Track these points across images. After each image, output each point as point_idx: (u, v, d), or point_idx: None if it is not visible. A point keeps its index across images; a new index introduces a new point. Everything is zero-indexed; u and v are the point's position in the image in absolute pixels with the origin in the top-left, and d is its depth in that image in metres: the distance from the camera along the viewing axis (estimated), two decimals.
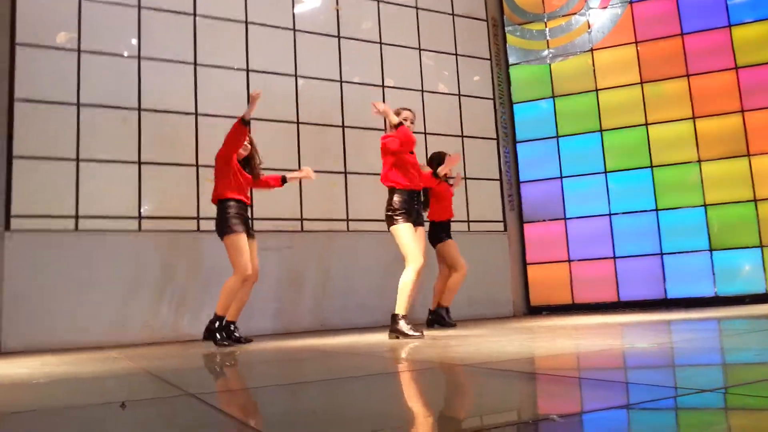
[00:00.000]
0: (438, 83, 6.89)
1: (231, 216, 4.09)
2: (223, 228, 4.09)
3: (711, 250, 6.47)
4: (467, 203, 6.76)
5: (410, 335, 3.83)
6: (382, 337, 4.04)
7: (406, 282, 3.92)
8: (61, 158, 4.96)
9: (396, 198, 4.05)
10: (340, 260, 5.93)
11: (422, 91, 6.72)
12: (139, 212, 5.17)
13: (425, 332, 4.08)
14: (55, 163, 4.94)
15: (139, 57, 5.37)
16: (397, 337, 3.86)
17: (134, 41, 5.37)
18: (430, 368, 2.39)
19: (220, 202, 4.15)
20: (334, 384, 2.10)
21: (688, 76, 6.74)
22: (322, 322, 5.71)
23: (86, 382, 2.53)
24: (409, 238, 3.95)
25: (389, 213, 4.05)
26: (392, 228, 4.02)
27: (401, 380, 2.21)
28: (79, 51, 5.14)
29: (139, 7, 5.42)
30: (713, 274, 6.44)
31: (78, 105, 5.08)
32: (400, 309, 3.90)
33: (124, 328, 4.92)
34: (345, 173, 6.12)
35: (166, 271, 5.17)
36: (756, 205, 6.37)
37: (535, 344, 3.15)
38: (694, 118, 6.68)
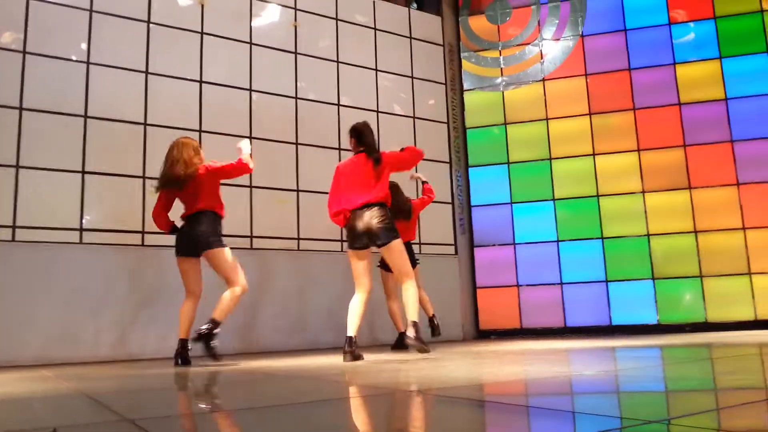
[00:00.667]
0: (393, 104, 6.92)
1: (221, 230, 4.14)
2: (216, 240, 4.06)
3: (654, 278, 6.65)
4: (419, 226, 6.77)
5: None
6: (329, 360, 3.97)
7: (413, 293, 4.06)
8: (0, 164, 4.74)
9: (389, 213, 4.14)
10: (288, 279, 5.83)
11: (378, 111, 6.74)
12: (81, 224, 4.97)
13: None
14: None
15: (88, 62, 5.20)
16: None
17: (84, 45, 5.21)
18: (378, 394, 2.34)
19: (214, 215, 4.11)
20: (280, 411, 2.04)
21: (634, 109, 6.98)
22: (267, 342, 5.59)
23: (16, 404, 2.38)
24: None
25: (390, 226, 4.07)
26: (396, 242, 4.09)
27: (348, 407, 2.16)
28: (24, 53, 4.95)
29: (91, 11, 5.26)
30: (655, 302, 6.62)
31: (21, 109, 4.87)
32: (414, 316, 4.01)
33: (62, 345, 4.69)
34: (297, 191, 6.05)
35: (108, 286, 4.97)
36: (696, 236, 6.60)
37: (484, 370, 3.14)
38: (639, 150, 6.90)
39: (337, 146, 6.37)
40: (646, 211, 6.78)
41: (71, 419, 1.92)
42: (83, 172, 5.04)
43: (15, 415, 2.12)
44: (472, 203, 7.28)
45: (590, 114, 7.11)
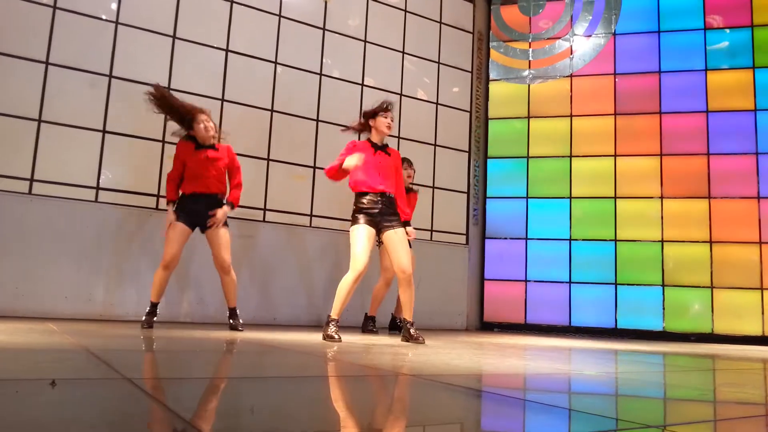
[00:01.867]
0: (417, 89, 6.88)
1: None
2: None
3: (663, 285, 6.60)
4: (432, 212, 6.76)
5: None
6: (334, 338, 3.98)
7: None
8: (22, 117, 4.77)
9: None
10: (298, 255, 5.85)
11: (401, 94, 6.69)
12: (98, 182, 5.01)
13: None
14: (15, 121, 4.75)
15: (117, 22, 5.21)
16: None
17: (114, 6, 5.21)
18: (375, 375, 2.35)
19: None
20: (273, 382, 2.05)
21: (660, 113, 6.88)
22: (274, 315, 5.63)
23: (20, 354, 2.42)
24: None
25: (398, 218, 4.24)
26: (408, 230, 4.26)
27: (340, 384, 2.16)
28: (54, 7, 4.96)
29: None
30: (663, 309, 6.57)
31: (47, 63, 4.90)
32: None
33: (69, 300, 4.76)
34: (314, 168, 6.05)
35: (120, 246, 5.02)
36: (711, 246, 6.53)
37: (485, 361, 3.14)
38: (661, 155, 6.81)
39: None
40: (662, 217, 6.71)
41: (71, 373, 1.94)
42: (104, 132, 5.07)
43: (18, 363, 2.15)
44: (488, 195, 7.24)
45: (615, 114, 7.02)
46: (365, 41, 6.54)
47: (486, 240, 7.18)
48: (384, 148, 4.29)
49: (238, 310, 4.50)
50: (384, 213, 4.10)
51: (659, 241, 6.68)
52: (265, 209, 5.72)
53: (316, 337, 4.12)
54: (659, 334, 6.50)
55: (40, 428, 1.20)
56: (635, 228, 6.78)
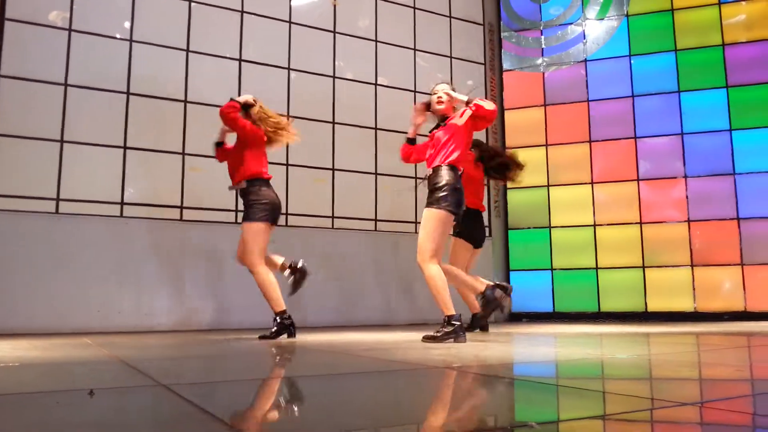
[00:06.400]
0: (431, 84, 6.85)
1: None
2: None
3: (692, 265, 6.51)
4: None
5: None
6: (361, 337, 4.01)
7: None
8: (45, 138, 4.88)
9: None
10: (321, 258, 5.88)
11: (415, 91, 6.70)
12: (122, 198, 5.09)
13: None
14: (39, 144, 4.85)
15: (131, 40, 5.29)
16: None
17: (127, 24, 5.30)
18: (410, 369, 2.36)
19: None
20: (313, 381, 2.07)
21: (679, 92, 6.78)
22: (313, 318, 5.66)
23: (57, 367, 2.47)
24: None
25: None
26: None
27: (380, 380, 2.18)
28: (70, 30, 5.06)
29: None
30: (693, 289, 6.48)
31: (66, 85, 5.00)
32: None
33: (101, 315, 4.85)
34: (333, 170, 6.08)
35: (147, 259, 5.10)
36: (738, 223, 6.42)
37: (515, 350, 3.14)
38: (682, 134, 6.72)
39: (374, 126, 6.37)
40: (687, 197, 6.62)
41: (108, 383, 1.98)
42: (125, 148, 5.15)
43: (55, 376, 2.20)
44: (508, 185, 7.20)
45: (633, 96, 6.94)
46: (376, 41, 6.56)
47: (509, 231, 7.14)
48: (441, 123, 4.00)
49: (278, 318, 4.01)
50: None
51: (686, 221, 6.59)
52: (287, 214, 5.76)
53: (344, 336, 4.14)
54: (691, 315, 6.41)
55: None
56: (660, 210, 6.70)
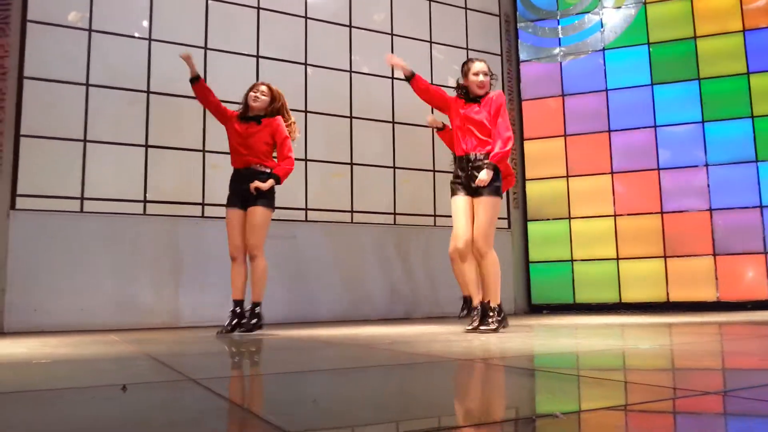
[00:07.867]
0: (448, 77, 6.86)
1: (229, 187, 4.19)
2: None
3: (714, 255, 6.44)
4: None
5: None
6: (383, 330, 4.04)
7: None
8: (68, 138, 4.96)
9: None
10: (342, 252, 5.93)
11: (432, 84, 6.67)
12: (145, 195, 5.17)
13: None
14: (62, 143, 4.94)
15: (150, 39, 5.36)
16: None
17: (145, 23, 5.36)
18: (434, 362, 2.39)
19: None
20: (338, 374, 2.11)
21: (699, 79, 6.70)
22: (325, 313, 5.71)
23: (87, 363, 2.53)
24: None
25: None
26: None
27: (408, 372, 2.21)
28: (90, 31, 5.14)
29: None
30: (716, 278, 6.42)
31: (87, 85, 5.07)
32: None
33: (127, 311, 4.93)
34: (351, 164, 6.11)
35: (170, 256, 5.18)
36: (762, 212, 6.35)
37: (535, 342, 3.15)
38: (703, 122, 6.64)
39: (391, 119, 6.38)
40: (709, 185, 6.54)
41: (139, 378, 2.04)
42: (146, 146, 5.23)
43: (87, 372, 2.26)
44: (527, 177, 7.18)
45: (652, 84, 6.87)
46: (392, 34, 6.56)
47: (528, 222, 7.13)
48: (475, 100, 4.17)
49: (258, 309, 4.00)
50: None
51: (707, 210, 6.52)
52: (306, 209, 5.81)
53: (358, 330, 4.17)
54: (714, 304, 6.36)
55: (121, 428, 1.27)
56: (681, 198, 6.64)
